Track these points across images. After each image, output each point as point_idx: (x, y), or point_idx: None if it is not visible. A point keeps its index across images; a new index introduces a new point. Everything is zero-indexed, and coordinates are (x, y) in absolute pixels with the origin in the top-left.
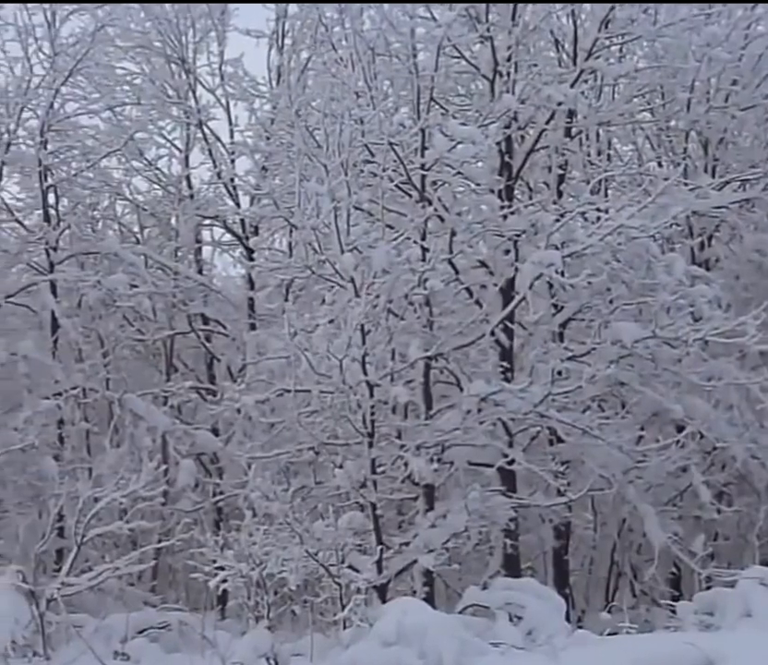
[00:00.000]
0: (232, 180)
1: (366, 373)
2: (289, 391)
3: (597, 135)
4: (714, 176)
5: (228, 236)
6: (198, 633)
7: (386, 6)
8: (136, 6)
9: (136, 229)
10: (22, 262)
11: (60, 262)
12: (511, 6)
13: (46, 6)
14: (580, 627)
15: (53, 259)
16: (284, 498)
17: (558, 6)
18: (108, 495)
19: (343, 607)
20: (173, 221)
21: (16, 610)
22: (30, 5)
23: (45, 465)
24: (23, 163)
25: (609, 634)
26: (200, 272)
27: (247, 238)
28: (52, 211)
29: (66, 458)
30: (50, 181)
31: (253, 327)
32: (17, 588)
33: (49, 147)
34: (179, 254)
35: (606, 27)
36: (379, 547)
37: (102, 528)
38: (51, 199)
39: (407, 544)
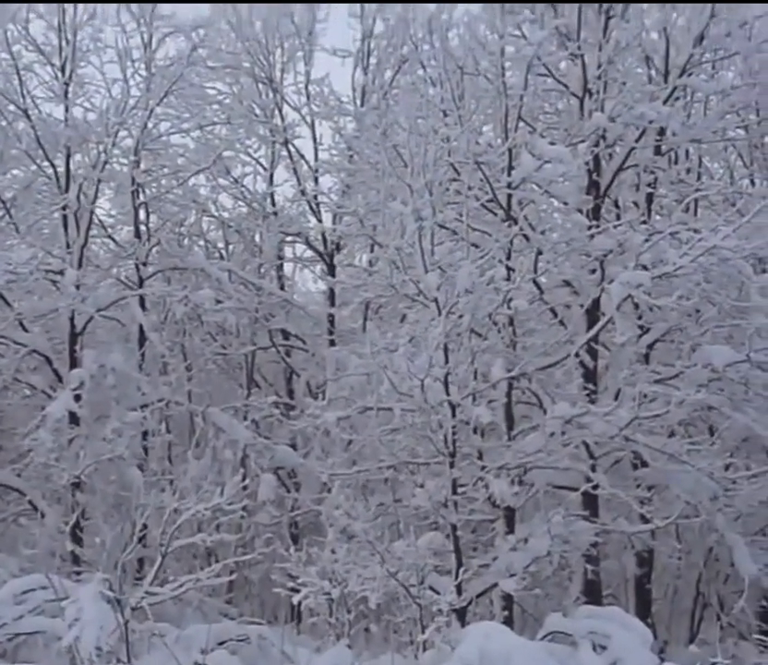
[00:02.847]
0: (315, 197)
1: (448, 393)
2: (371, 408)
3: (687, 153)
4: None
5: (310, 253)
6: (276, 647)
7: (474, 25)
8: (226, 27)
9: (221, 245)
10: (113, 277)
11: (149, 277)
12: (603, 23)
13: (143, 28)
14: (662, 659)
15: (142, 274)
16: (365, 516)
17: (650, 23)
18: (192, 507)
19: (423, 628)
20: (256, 237)
21: (102, 616)
22: (128, 28)
23: (131, 476)
24: (117, 181)
25: None
26: (282, 287)
27: (330, 255)
28: (142, 228)
29: (151, 469)
30: (141, 198)
31: (333, 343)
32: (103, 596)
33: (142, 165)
34: (262, 270)
35: (701, 43)
36: (460, 569)
37: (186, 540)
38: (141, 215)
39: (486, 567)
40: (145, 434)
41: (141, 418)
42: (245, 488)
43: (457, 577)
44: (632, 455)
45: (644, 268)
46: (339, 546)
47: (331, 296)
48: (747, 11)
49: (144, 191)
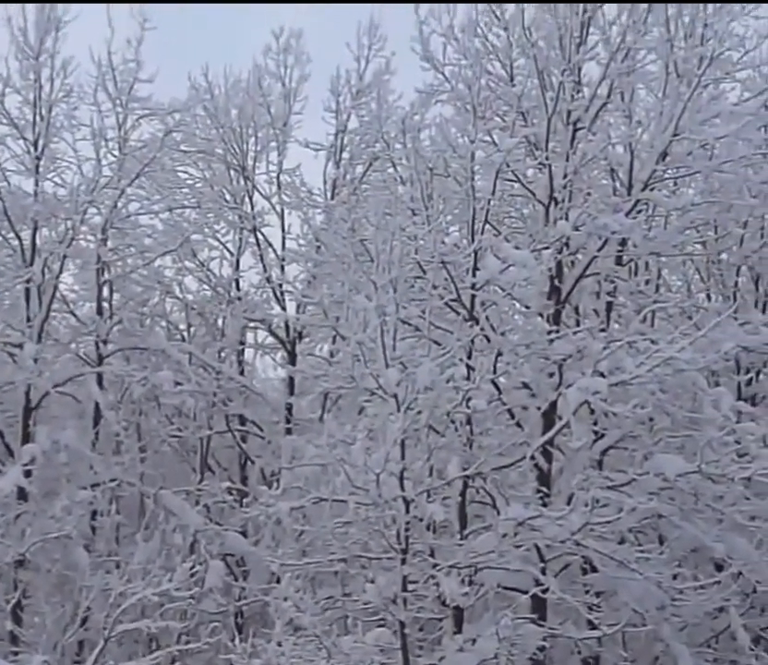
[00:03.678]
0: (280, 286)
1: (403, 488)
2: (325, 500)
3: (647, 264)
4: (764, 312)
5: (271, 340)
6: None
7: (446, 128)
8: (202, 113)
9: (183, 327)
10: (72, 352)
11: (108, 355)
12: (570, 135)
13: (119, 109)
14: None
15: (102, 352)
16: (314, 609)
17: (615, 137)
18: (139, 592)
19: None
20: (219, 321)
21: None
22: (104, 109)
23: (77, 556)
24: (83, 257)
25: None
26: (242, 373)
27: (291, 343)
28: (105, 305)
29: (97, 550)
30: (106, 276)
31: (289, 432)
32: None
33: (109, 243)
34: (223, 354)
35: (664, 159)
36: None
37: (130, 625)
38: (105, 292)
39: None
40: (94, 514)
41: (91, 497)
42: (193, 574)
43: None
44: (582, 560)
45: (602, 375)
46: (285, 639)
47: (291, 384)
48: (709, 132)
49: (109, 269)
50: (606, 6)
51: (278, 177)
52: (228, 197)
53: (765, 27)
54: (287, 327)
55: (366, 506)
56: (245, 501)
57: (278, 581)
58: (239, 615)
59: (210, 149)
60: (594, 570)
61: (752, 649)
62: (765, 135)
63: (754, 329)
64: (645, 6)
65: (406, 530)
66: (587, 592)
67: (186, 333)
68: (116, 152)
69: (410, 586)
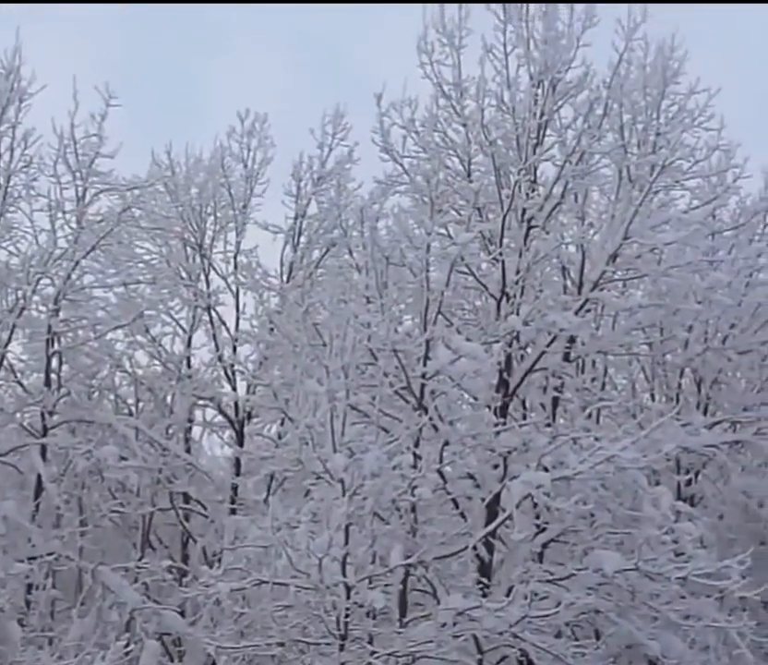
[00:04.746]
0: (232, 365)
1: (344, 574)
2: (266, 582)
3: (594, 362)
4: (705, 414)
5: (220, 419)
6: None
7: (403, 218)
8: (162, 189)
9: (131, 402)
10: (16, 422)
11: (54, 427)
12: (524, 232)
13: (79, 182)
14: None
15: (47, 423)
16: None
17: (568, 236)
18: None
19: None
20: (168, 398)
21: None
22: (63, 181)
23: (10, 629)
24: (33, 327)
25: None
26: (188, 450)
27: (240, 423)
28: (53, 376)
29: (31, 624)
30: (56, 347)
31: (234, 512)
32: None
33: (61, 314)
34: (170, 431)
35: (614, 261)
36: None
37: None
38: (54, 363)
39: None
40: (29, 587)
41: (28, 570)
42: (128, 652)
43: None
44: (520, 653)
45: (545, 469)
46: None
47: (237, 464)
48: (658, 237)
49: (60, 340)
50: (563, 111)
51: (235, 257)
52: (184, 274)
53: (714, 139)
54: (236, 407)
55: (306, 590)
56: (184, 580)
57: (214, 663)
58: None
59: (168, 225)
60: (531, 663)
61: None
62: (712, 242)
63: (695, 430)
64: (601, 111)
65: (346, 616)
66: None
67: (134, 408)
68: (73, 224)
69: None
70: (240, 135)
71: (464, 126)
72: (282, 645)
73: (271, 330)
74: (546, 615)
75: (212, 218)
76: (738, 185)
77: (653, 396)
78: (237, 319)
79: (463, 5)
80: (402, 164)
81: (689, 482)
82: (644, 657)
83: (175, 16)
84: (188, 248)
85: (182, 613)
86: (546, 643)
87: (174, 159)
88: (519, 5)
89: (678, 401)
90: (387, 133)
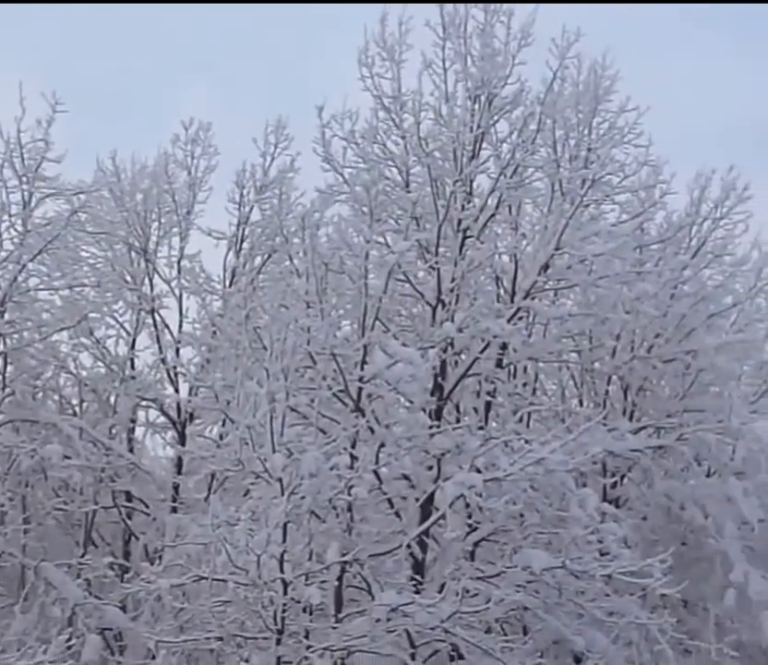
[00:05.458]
0: (175, 367)
1: (282, 570)
2: (205, 578)
3: (525, 368)
4: (631, 420)
5: (163, 420)
6: None
7: (343, 227)
8: (107, 194)
9: (75, 402)
10: None
11: None
12: (460, 242)
13: (25, 187)
14: None
15: None
16: None
17: (502, 246)
18: (13, 663)
19: None
20: (112, 398)
21: None
22: (9, 185)
23: None
24: None
25: None
26: (131, 450)
27: (182, 424)
28: None
29: None
30: (1, 348)
31: (175, 510)
32: None
33: (6, 316)
34: (113, 431)
35: (545, 271)
36: None
37: None
38: None
39: None
40: None
41: None
42: (69, 647)
43: None
44: (451, 647)
45: (478, 470)
46: None
47: (179, 463)
48: (588, 248)
49: (5, 341)
50: (499, 125)
51: (179, 262)
52: (128, 278)
53: (643, 155)
54: (179, 408)
55: (245, 586)
56: (126, 576)
57: (154, 657)
58: None
59: (113, 230)
60: (461, 657)
61: None
62: (639, 255)
63: (621, 435)
64: (535, 126)
65: (283, 612)
66: None
67: (78, 409)
68: (19, 228)
69: None
70: (184, 143)
71: (403, 138)
72: (220, 639)
73: (214, 333)
74: (477, 611)
75: (157, 223)
76: (665, 200)
77: (581, 402)
78: (180, 322)
79: (403, 21)
80: (342, 174)
81: (614, 485)
82: (570, 652)
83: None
84: (133, 253)
85: (123, 609)
86: (476, 638)
87: (119, 166)
88: (457, 23)
89: (605, 407)
90: (328, 144)
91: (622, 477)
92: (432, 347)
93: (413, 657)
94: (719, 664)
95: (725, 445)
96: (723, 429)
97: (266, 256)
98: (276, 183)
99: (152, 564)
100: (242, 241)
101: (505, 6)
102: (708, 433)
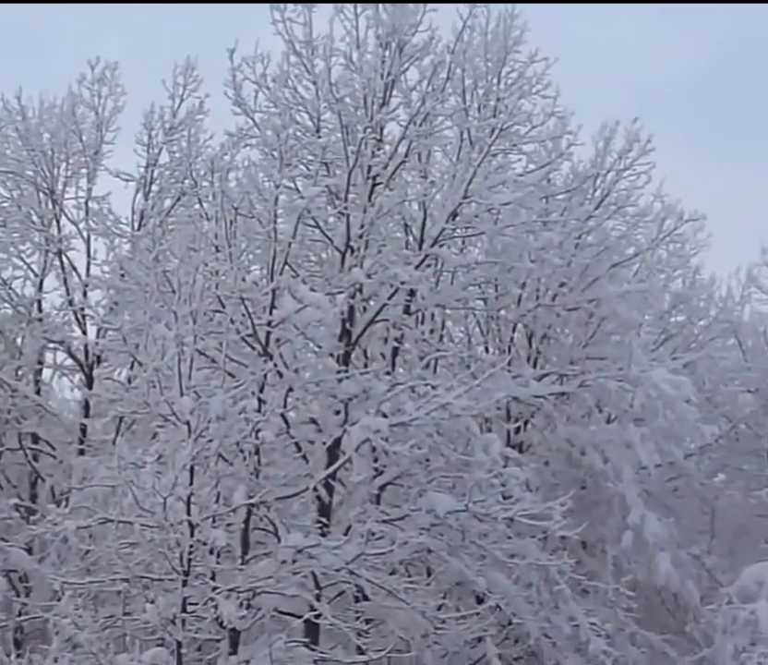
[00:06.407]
0: (82, 310)
1: (189, 513)
2: (111, 520)
3: (432, 315)
4: (535, 367)
5: (70, 362)
6: None
7: (253, 171)
8: (14, 133)
9: None
10: None
11: None
12: (369, 189)
13: None
14: None
15: None
16: (93, 627)
17: (411, 194)
18: None
19: None
20: (19, 340)
21: None
22: None
23: None
24: None
25: None
26: (38, 392)
27: (90, 367)
28: None
29: None
30: None
31: (82, 453)
32: None
33: None
34: (20, 373)
35: (454, 219)
36: None
37: None
38: None
39: None
40: None
41: None
42: None
43: None
44: (356, 588)
45: (384, 415)
46: (62, 655)
47: (87, 406)
48: (495, 197)
49: None
50: (409, 73)
51: (86, 204)
52: (35, 218)
53: (550, 106)
54: (86, 351)
55: (151, 528)
56: (32, 518)
57: (59, 599)
58: (19, 631)
59: (20, 170)
60: (366, 598)
61: None
62: (545, 205)
63: (525, 382)
64: (444, 75)
65: (189, 553)
66: (358, 619)
67: None
68: None
69: (189, 608)
70: (91, 82)
71: (314, 83)
72: (126, 581)
73: (122, 276)
74: (382, 553)
75: (64, 164)
76: (571, 151)
77: (487, 349)
78: (88, 264)
79: None
80: (252, 118)
81: (517, 430)
82: (472, 592)
83: None
84: (40, 193)
85: (29, 550)
86: (381, 579)
87: (25, 105)
88: None
89: (510, 353)
90: (239, 87)
91: (525, 423)
92: (340, 293)
93: (318, 598)
94: (616, 603)
95: (625, 392)
96: (623, 377)
97: (175, 199)
98: (185, 125)
99: (59, 506)
100: (151, 183)
101: None
102: (609, 380)
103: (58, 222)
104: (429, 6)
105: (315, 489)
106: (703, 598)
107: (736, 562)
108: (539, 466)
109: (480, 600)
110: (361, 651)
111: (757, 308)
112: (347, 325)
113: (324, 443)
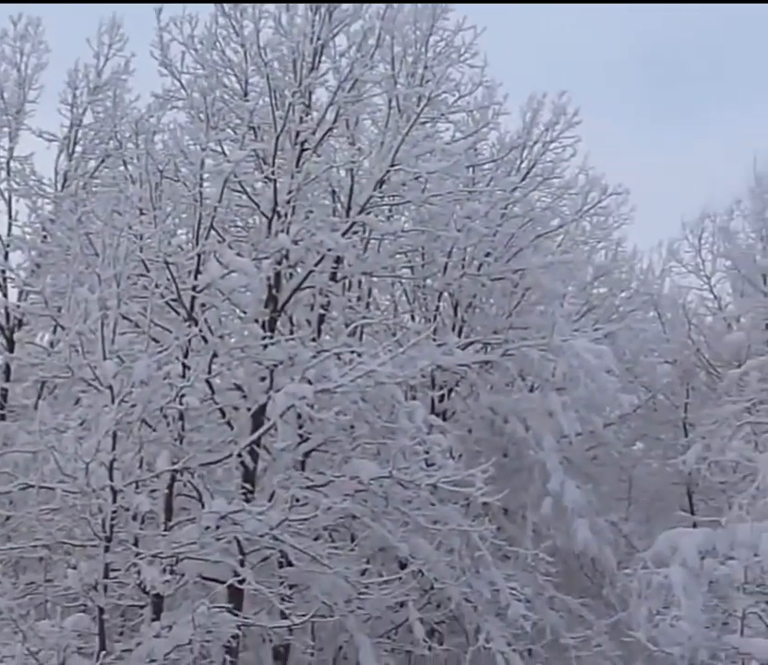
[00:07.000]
0: (3, 272)
1: (111, 478)
2: (32, 486)
3: (359, 283)
4: (460, 336)
5: None
6: None
7: (179, 134)
8: None
9: None
10: None
11: None
12: (297, 154)
13: None
14: None
15: None
16: (13, 593)
17: (339, 160)
18: None
19: None
20: None
21: None
22: None
23: None
24: None
25: None
26: None
27: (11, 330)
28: None
29: None
30: None
31: (3, 418)
32: None
33: None
34: None
35: (381, 187)
36: (102, 652)
37: None
38: None
39: (129, 651)
40: None
41: None
42: None
43: (98, 660)
44: (279, 554)
45: (309, 382)
46: None
47: (7, 370)
48: (422, 166)
49: None
50: (338, 38)
51: (8, 163)
52: None
53: (478, 76)
54: (7, 314)
55: (73, 494)
56: None
57: None
58: None
59: None
60: (290, 564)
61: (426, 641)
62: (472, 174)
63: (449, 350)
64: (374, 42)
65: (112, 519)
66: (281, 584)
67: None
68: None
69: (112, 574)
70: (13, 39)
71: (242, 46)
72: (47, 547)
73: (44, 238)
74: (306, 519)
75: None
76: (498, 121)
77: (412, 317)
78: (9, 225)
79: None
80: (179, 80)
81: (441, 398)
82: (395, 558)
83: None
84: None
85: None
86: (305, 545)
87: None
88: None
89: (435, 322)
90: (166, 48)
91: (450, 391)
92: (267, 259)
93: (242, 563)
94: (535, 568)
95: (547, 361)
96: (546, 346)
97: (99, 160)
98: (110, 85)
99: None
100: (74, 144)
101: None
102: (532, 350)
103: None
104: None
105: (239, 455)
106: (620, 563)
107: (652, 529)
108: (462, 434)
109: (403, 566)
110: (284, 616)
111: (677, 282)
112: (273, 291)
113: (249, 410)
